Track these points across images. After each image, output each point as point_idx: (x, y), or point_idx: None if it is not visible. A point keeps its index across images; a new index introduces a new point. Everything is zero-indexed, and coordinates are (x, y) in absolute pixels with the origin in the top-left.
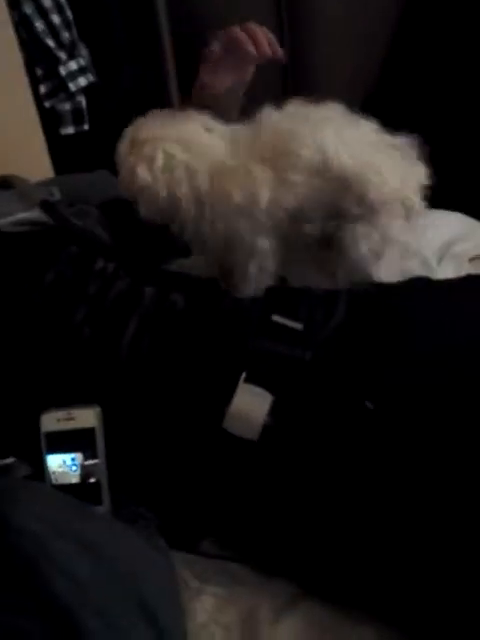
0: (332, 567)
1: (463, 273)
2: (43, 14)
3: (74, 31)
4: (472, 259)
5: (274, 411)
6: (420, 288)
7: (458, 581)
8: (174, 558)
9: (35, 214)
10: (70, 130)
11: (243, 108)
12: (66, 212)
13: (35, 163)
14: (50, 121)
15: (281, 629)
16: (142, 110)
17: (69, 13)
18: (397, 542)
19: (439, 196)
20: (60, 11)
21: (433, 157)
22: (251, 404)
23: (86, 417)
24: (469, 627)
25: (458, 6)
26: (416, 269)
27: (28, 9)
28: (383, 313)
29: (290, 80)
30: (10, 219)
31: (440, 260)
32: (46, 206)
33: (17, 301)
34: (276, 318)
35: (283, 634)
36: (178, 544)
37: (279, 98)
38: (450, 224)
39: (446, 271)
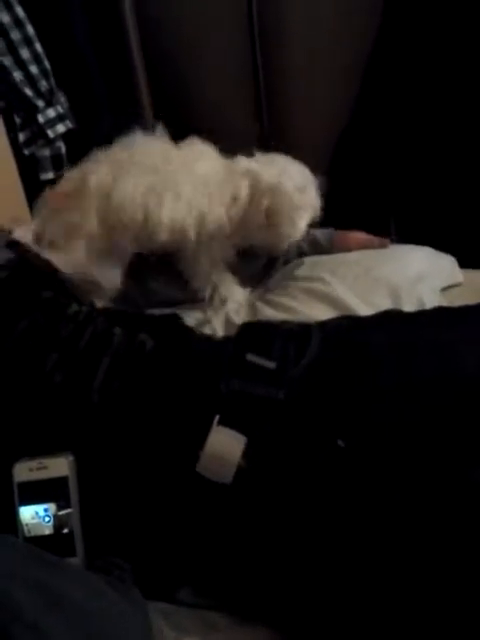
0: (310, 611)
1: (435, 304)
2: (21, 65)
3: (52, 80)
4: (444, 289)
5: (248, 453)
6: (390, 322)
7: (438, 622)
8: (150, 608)
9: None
10: (50, 175)
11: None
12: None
13: (13, 211)
14: (30, 167)
15: None
16: None
17: (47, 63)
18: (376, 583)
19: (411, 229)
20: (38, 61)
21: (408, 190)
22: (225, 447)
23: (59, 466)
24: None
25: (432, 38)
26: (385, 299)
27: (7, 61)
28: (353, 349)
29: (265, 112)
30: None
31: (411, 290)
32: (10, 244)
33: None
34: (250, 357)
35: None
36: (154, 594)
37: (255, 129)
38: (420, 257)
39: (419, 301)
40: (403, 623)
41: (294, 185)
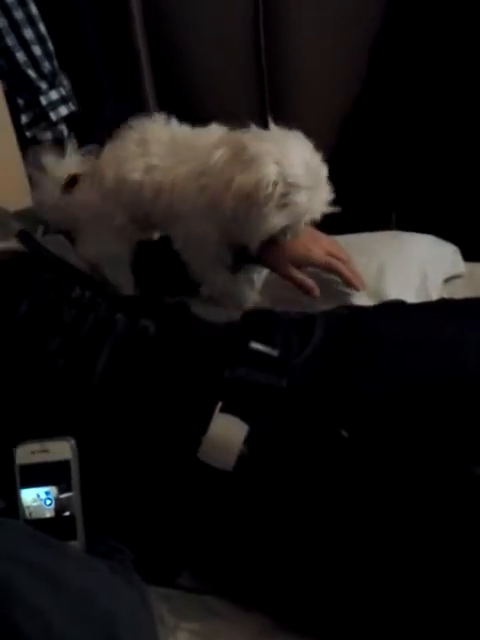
0: (309, 599)
1: (437, 295)
2: (25, 46)
3: (55, 62)
4: (447, 280)
5: (250, 441)
6: (393, 313)
7: (438, 614)
8: (150, 593)
9: (12, 244)
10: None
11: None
12: (43, 242)
13: (15, 192)
14: None
15: None
16: None
17: (50, 44)
18: (376, 572)
19: (413, 221)
20: (41, 42)
21: (409, 179)
22: (227, 434)
23: (61, 449)
24: None
25: (441, 23)
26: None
27: (10, 41)
28: (356, 339)
29: (269, 98)
30: None
31: (413, 279)
32: (23, 236)
33: None
34: (254, 345)
35: None
36: (154, 579)
37: (257, 115)
38: (423, 244)
39: (421, 291)
40: (402, 616)
41: (277, 169)
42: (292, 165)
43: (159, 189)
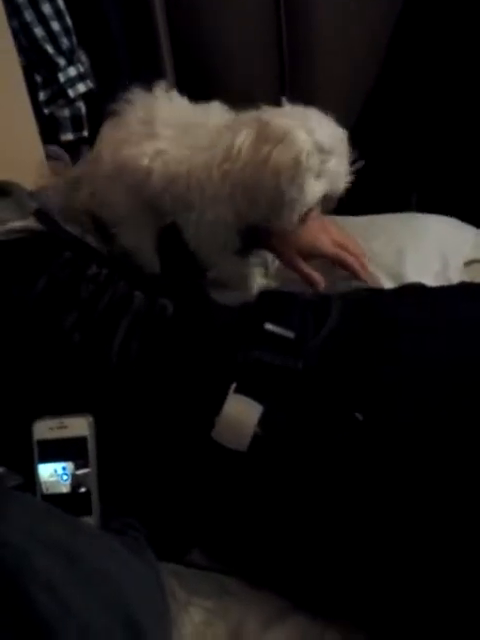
0: (321, 579)
1: (457, 278)
2: (43, 21)
3: (73, 38)
4: (468, 264)
5: (264, 422)
6: (411, 296)
7: (450, 595)
8: (163, 569)
9: (30, 222)
10: (69, 136)
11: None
12: (60, 220)
13: (32, 170)
14: (49, 128)
15: None
16: None
17: (68, 20)
18: (389, 555)
19: (434, 199)
20: (60, 18)
21: (430, 161)
22: (241, 415)
23: (78, 425)
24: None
25: (456, 11)
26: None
27: (28, 17)
28: (373, 322)
29: (288, 76)
30: (4, 227)
31: (432, 262)
32: (40, 214)
33: (8, 308)
34: (269, 327)
35: None
36: (167, 555)
37: (276, 93)
38: (442, 227)
39: (440, 274)
40: (417, 597)
41: (310, 139)
42: (320, 133)
43: (172, 179)
